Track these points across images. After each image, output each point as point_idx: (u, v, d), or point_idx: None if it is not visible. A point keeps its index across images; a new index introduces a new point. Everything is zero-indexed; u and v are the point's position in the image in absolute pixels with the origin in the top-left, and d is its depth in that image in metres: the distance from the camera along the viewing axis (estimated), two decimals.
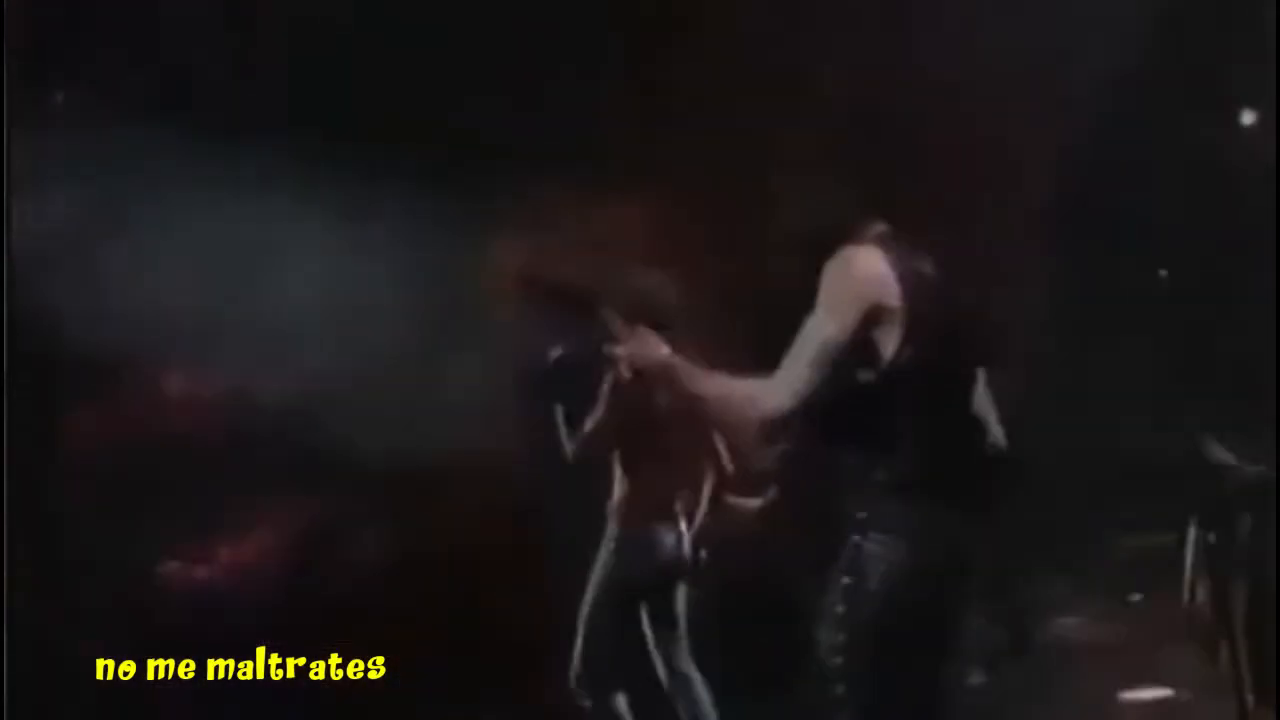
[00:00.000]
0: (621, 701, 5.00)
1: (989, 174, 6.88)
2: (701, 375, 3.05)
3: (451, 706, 5.70)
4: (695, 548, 5.11)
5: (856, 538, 3.01)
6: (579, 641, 4.95)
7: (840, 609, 2.99)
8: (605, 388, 4.93)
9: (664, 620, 5.08)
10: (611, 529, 5.04)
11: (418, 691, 5.67)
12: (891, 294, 2.98)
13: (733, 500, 5.04)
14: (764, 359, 3.04)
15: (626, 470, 5.04)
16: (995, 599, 6.24)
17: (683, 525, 5.09)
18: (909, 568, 2.99)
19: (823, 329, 2.94)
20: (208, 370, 6.32)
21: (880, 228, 3.15)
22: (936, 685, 3.13)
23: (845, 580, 2.99)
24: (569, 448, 5.00)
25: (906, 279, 3.02)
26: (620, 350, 3.19)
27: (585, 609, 4.98)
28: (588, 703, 4.96)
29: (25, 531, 5.53)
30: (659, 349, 3.11)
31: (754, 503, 5.01)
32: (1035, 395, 6.37)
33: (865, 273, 3.00)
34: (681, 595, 5.12)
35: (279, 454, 6.12)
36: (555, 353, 4.99)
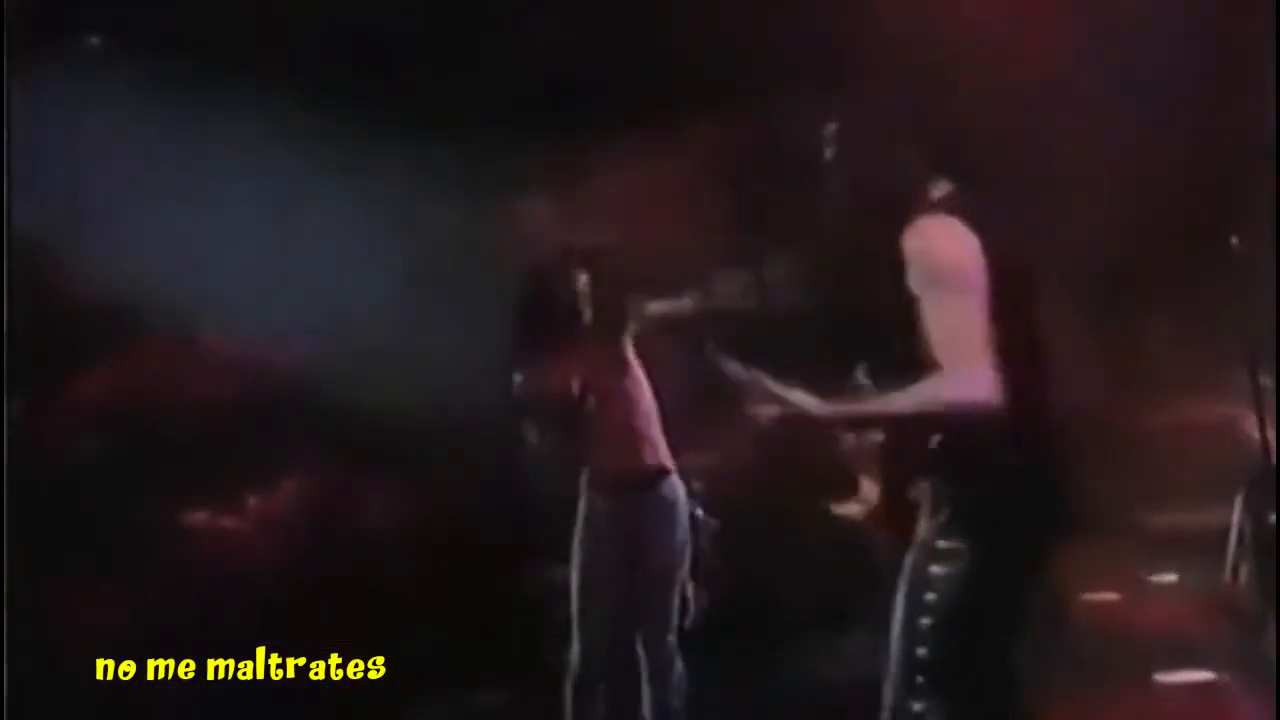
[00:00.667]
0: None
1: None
2: (880, 400, 2.91)
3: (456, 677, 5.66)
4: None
5: (921, 555, 2.93)
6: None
7: (925, 621, 2.91)
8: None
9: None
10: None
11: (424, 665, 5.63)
12: (974, 255, 2.89)
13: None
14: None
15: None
16: (1028, 572, 6.12)
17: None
18: (978, 578, 2.92)
19: (962, 312, 2.83)
20: (226, 332, 6.26)
21: (947, 189, 3.01)
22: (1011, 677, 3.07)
23: (929, 597, 2.91)
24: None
25: (986, 247, 2.93)
26: (763, 413, 3.01)
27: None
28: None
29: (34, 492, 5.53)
30: (803, 400, 2.96)
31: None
32: (1078, 367, 6.25)
33: (956, 239, 2.90)
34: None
35: (294, 418, 6.07)
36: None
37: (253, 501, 6.35)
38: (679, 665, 4.81)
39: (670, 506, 4.72)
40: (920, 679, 2.92)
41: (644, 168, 6.80)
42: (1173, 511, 7.86)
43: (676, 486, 4.77)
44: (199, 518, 6.32)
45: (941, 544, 2.92)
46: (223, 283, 5.95)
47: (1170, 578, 7.32)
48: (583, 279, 4.76)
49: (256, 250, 6.07)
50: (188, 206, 6.17)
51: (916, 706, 2.94)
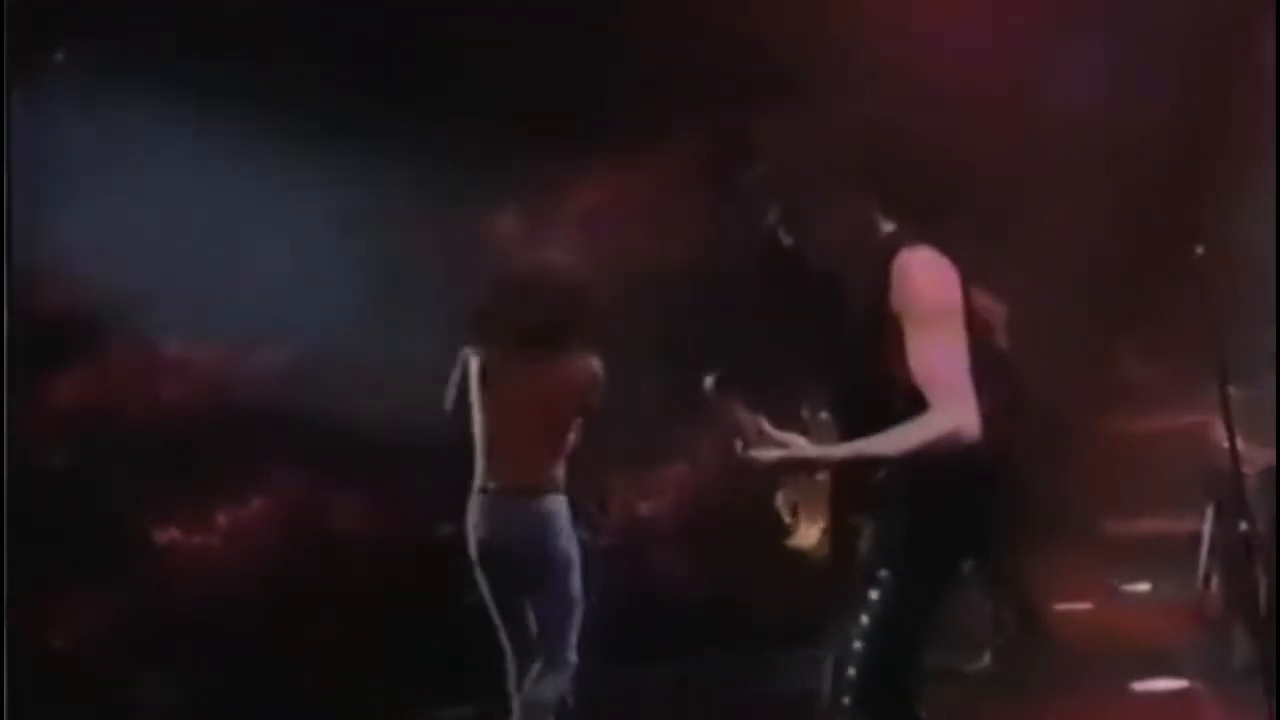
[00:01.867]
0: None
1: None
2: (868, 442, 2.90)
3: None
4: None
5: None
6: None
7: (857, 644, 2.93)
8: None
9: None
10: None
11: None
12: (958, 285, 2.97)
13: None
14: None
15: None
16: (1002, 583, 6.12)
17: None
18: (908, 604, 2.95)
19: (948, 349, 2.87)
20: (194, 340, 6.21)
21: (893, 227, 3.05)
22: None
23: (863, 619, 2.93)
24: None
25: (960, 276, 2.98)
26: (762, 456, 2.98)
27: None
28: None
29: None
30: (796, 450, 2.97)
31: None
32: (1051, 377, 6.28)
33: (943, 271, 2.95)
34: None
35: (264, 427, 6.02)
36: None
37: (222, 517, 6.29)
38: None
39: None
40: (847, 699, 2.95)
41: (617, 181, 6.82)
42: (1145, 520, 7.90)
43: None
44: (169, 532, 6.25)
45: (881, 573, 2.96)
46: (191, 291, 5.90)
47: (1143, 586, 7.35)
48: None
49: (226, 259, 6.02)
50: (157, 215, 6.12)
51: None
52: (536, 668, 4.74)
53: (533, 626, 4.79)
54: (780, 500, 3.15)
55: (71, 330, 5.97)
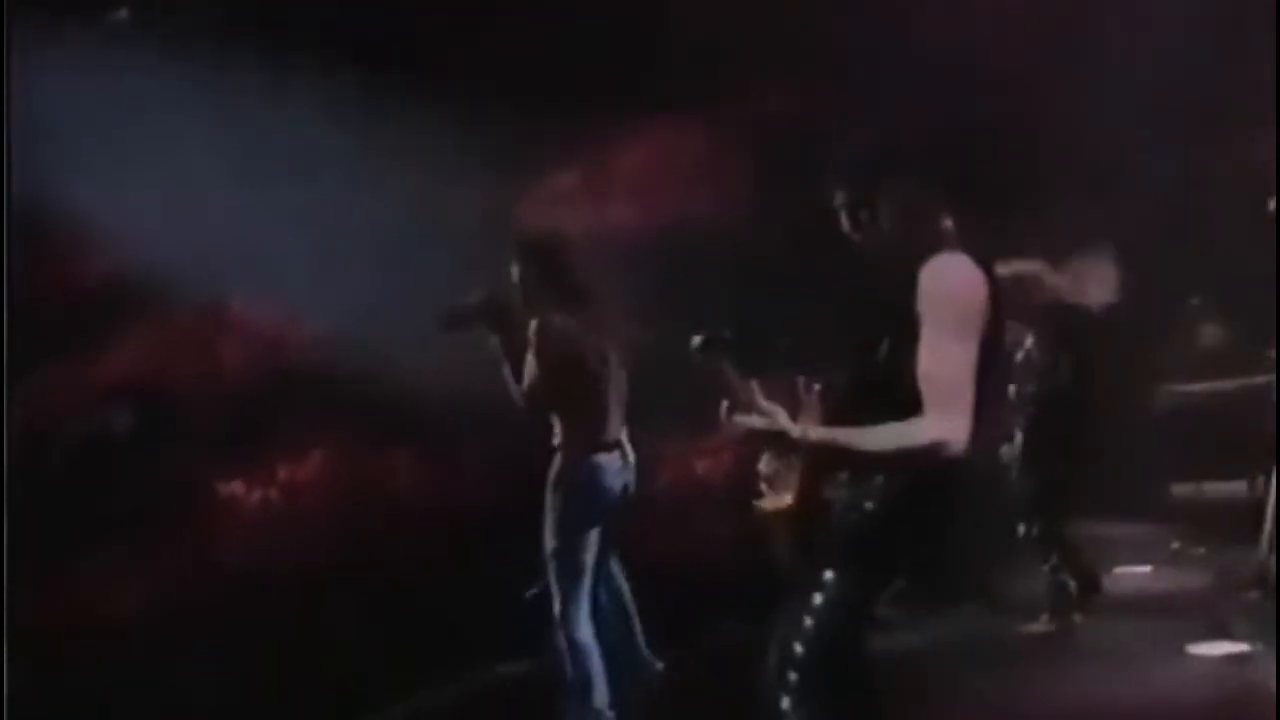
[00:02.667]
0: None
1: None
2: (853, 432, 2.89)
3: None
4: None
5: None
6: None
7: (799, 648, 2.97)
8: (533, 344, 4.75)
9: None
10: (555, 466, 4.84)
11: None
12: (984, 299, 2.96)
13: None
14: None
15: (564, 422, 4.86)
16: (1061, 546, 6.08)
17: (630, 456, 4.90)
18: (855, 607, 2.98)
19: (958, 357, 2.87)
20: (254, 304, 6.29)
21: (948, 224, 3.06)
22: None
23: (807, 621, 2.96)
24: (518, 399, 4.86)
25: (989, 280, 2.99)
26: (742, 422, 2.95)
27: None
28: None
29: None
30: (784, 427, 2.92)
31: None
32: (1107, 343, 6.22)
33: (972, 282, 2.95)
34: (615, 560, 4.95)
35: (321, 390, 6.09)
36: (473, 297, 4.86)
37: (282, 472, 6.38)
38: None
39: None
40: (793, 675, 2.99)
41: (663, 146, 6.80)
42: (1209, 484, 7.81)
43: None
44: (229, 488, 6.35)
45: (827, 575, 2.97)
46: (252, 255, 5.95)
47: (1204, 550, 7.28)
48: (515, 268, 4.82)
49: (285, 223, 6.07)
50: (216, 180, 6.18)
51: (785, 702, 3.00)
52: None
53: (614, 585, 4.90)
54: (762, 465, 3.13)
55: (133, 293, 6.06)
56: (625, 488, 4.85)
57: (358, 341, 5.98)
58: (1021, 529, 6.12)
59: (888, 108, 6.60)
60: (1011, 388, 6.08)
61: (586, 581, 4.79)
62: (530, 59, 6.44)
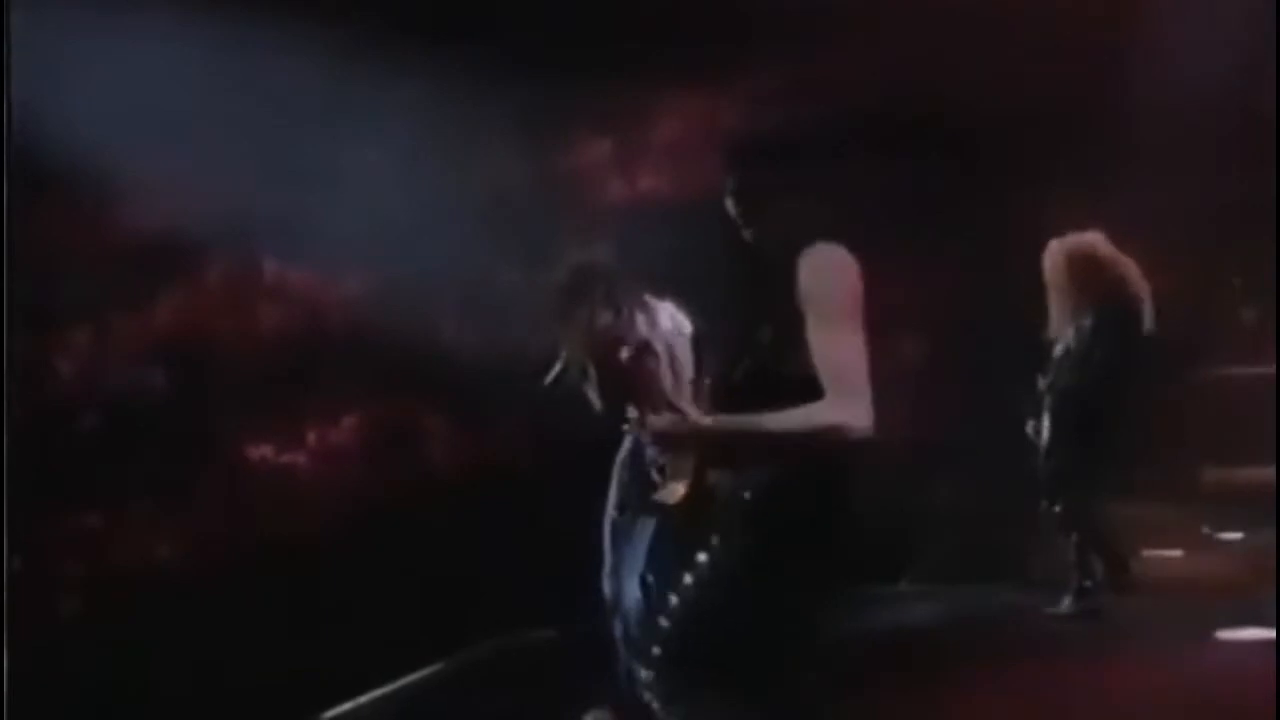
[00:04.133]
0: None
1: None
2: (760, 417, 2.94)
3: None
4: None
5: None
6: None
7: (674, 600, 3.01)
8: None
9: None
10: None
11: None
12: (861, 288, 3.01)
13: None
14: None
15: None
16: (1089, 527, 6.06)
17: None
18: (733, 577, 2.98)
19: (848, 344, 2.94)
20: (289, 265, 6.31)
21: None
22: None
23: (686, 578, 3.01)
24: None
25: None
26: (654, 428, 3.06)
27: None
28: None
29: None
30: (692, 420, 3.01)
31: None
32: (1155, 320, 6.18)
33: (851, 271, 3.01)
34: None
35: (362, 345, 6.11)
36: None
37: (312, 436, 6.41)
38: None
39: None
40: (657, 650, 3.03)
41: (702, 112, 6.77)
42: (1243, 468, 7.75)
43: None
44: (261, 451, 6.39)
45: (714, 540, 3.01)
46: (287, 218, 5.97)
47: (1236, 535, 7.23)
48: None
49: (320, 184, 6.08)
50: (252, 139, 6.18)
51: (644, 674, 3.05)
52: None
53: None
54: (652, 456, 3.20)
55: (169, 253, 6.09)
56: None
57: (392, 305, 6.00)
58: (1047, 508, 6.11)
59: (922, 74, 6.57)
60: (1041, 380, 6.08)
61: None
62: (565, 25, 6.42)
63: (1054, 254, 6.12)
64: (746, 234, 3.12)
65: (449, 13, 6.25)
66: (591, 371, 3.20)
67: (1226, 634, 5.38)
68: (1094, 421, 6.03)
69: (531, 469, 5.84)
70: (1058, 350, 6.09)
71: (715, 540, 3.00)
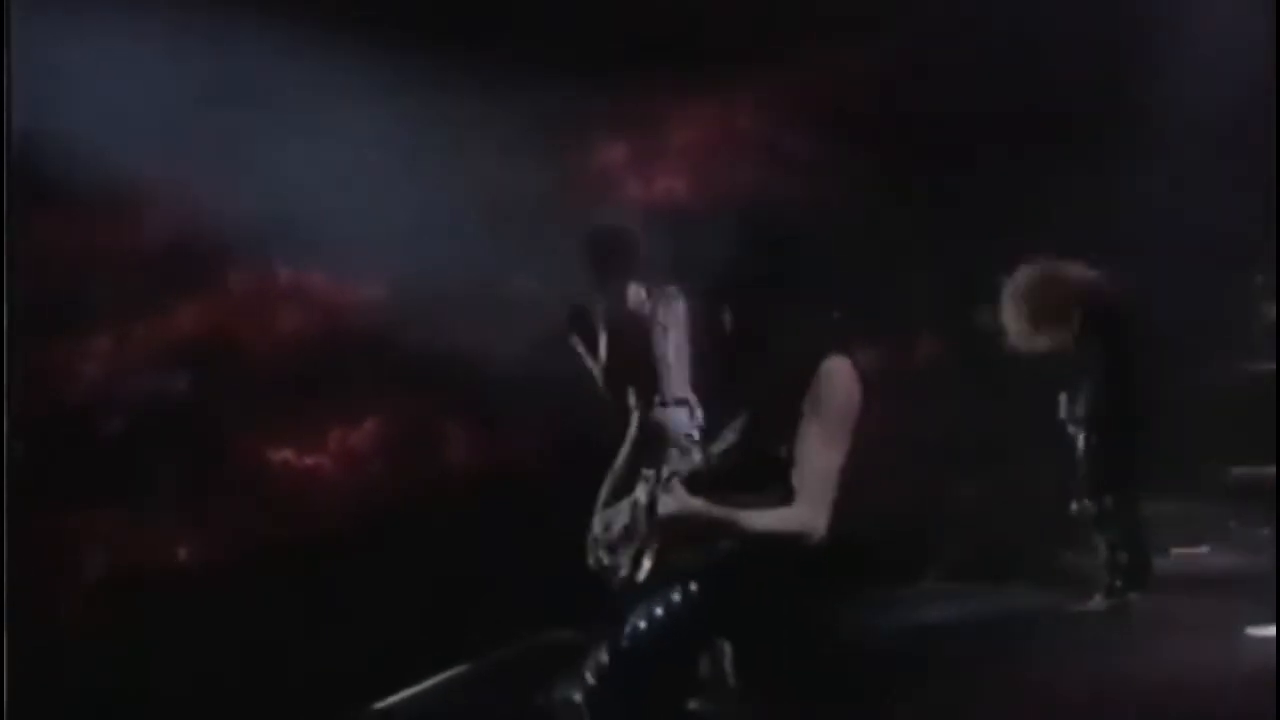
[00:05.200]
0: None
1: None
2: (738, 514, 3.10)
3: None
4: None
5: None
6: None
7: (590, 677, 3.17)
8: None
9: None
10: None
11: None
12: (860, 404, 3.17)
13: None
14: None
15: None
16: (1117, 526, 6.01)
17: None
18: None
19: (833, 455, 3.11)
20: (310, 270, 6.33)
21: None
22: None
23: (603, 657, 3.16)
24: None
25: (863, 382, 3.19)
26: (664, 512, 3.15)
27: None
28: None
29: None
30: (688, 501, 3.13)
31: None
32: (1178, 319, 6.15)
33: (855, 389, 3.16)
34: None
35: (382, 349, 6.12)
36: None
37: (333, 439, 6.42)
38: None
39: None
40: (590, 678, 3.19)
41: (719, 115, 6.77)
42: (1266, 465, 7.67)
43: None
44: (283, 454, 6.40)
45: (674, 596, 3.15)
46: (308, 221, 5.99)
47: (1265, 531, 7.16)
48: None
49: (341, 190, 6.10)
50: (275, 147, 6.22)
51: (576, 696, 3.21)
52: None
53: None
54: (605, 529, 3.30)
55: (190, 259, 6.12)
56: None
57: (412, 309, 6.01)
58: (1077, 506, 6.08)
59: (946, 77, 6.55)
60: (1062, 396, 6.06)
61: None
62: (584, 29, 6.43)
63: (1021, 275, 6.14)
64: (750, 324, 3.26)
65: (466, 18, 6.27)
66: (604, 343, 3.21)
67: (1256, 631, 5.32)
68: (1122, 421, 6.00)
69: (551, 469, 5.82)
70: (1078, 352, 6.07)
71: (658, 610, 3.14)
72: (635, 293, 4.67)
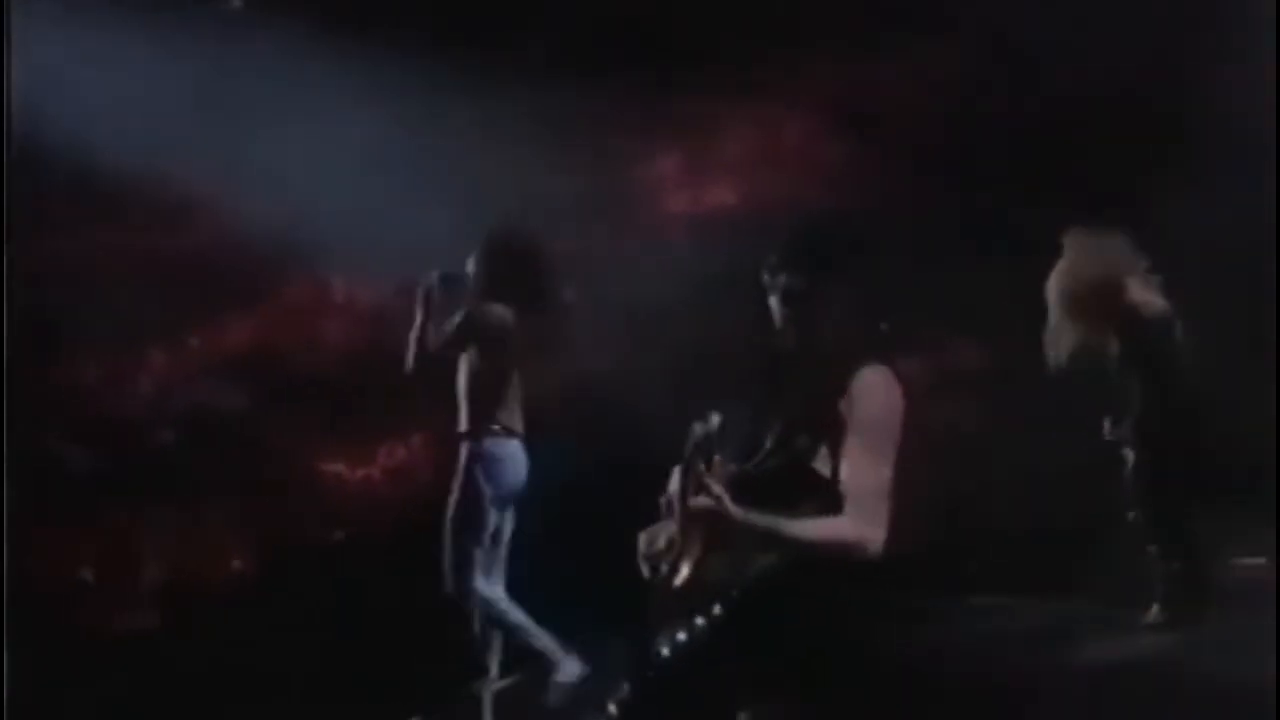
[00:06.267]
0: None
1: None
2: (782, 522, 3.02)
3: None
4: None
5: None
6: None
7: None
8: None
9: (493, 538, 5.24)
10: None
11: None
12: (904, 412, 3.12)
13: None
14: None
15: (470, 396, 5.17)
16: (1172, 536, 5.93)
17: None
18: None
19: (880, 467, 3.05)
20: (359, 282, 6.38)
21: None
22: None
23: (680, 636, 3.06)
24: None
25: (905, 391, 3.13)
26: (695, 507, 3.06)
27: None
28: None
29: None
30: (727, 502, 3.03)
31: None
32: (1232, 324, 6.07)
33: (897, 398, 3.11)
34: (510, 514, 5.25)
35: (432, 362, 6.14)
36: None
37: (383, 452, 6.46)
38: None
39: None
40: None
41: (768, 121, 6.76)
42: None
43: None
44: (335, 466, 6.45)
45: (716, 609, 3.07)
46: (355, 233, 6.04)
47: None
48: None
49: (388, 201, 6.15)
50: (322, 161, 6.28)
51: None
52: None
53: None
54: (651, 540, 3.20)
55: (243, 274, 6.18)
56: (521, 483, 5.24)
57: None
58: (1133, 517, 6.00)
59: (990, 86, 6.51)
60: (1108, 404, 6.00)
61: (493, 554, 5.16)
62: (635, 39, 6.45)
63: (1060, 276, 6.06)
64: (791, 334, 3.18)
65: (512, 20, 6.30)
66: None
67: None
68: (1173, 427, 5.92)
69: (602, 483, 5.82)
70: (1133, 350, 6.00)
71: (699, 621, 3.06)
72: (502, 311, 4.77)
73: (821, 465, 3.07)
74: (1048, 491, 6.98)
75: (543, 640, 5.13)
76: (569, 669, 5.10)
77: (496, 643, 5.20)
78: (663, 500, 3.17)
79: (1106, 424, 6.03)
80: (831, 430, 3.07)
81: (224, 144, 6.07)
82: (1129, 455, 6.00)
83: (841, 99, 6.64)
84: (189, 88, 6.02)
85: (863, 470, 3.04)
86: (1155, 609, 5.94)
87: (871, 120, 6.60)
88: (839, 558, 3.03)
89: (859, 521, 3.03)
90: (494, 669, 5.19)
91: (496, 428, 5.15)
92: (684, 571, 3.11)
